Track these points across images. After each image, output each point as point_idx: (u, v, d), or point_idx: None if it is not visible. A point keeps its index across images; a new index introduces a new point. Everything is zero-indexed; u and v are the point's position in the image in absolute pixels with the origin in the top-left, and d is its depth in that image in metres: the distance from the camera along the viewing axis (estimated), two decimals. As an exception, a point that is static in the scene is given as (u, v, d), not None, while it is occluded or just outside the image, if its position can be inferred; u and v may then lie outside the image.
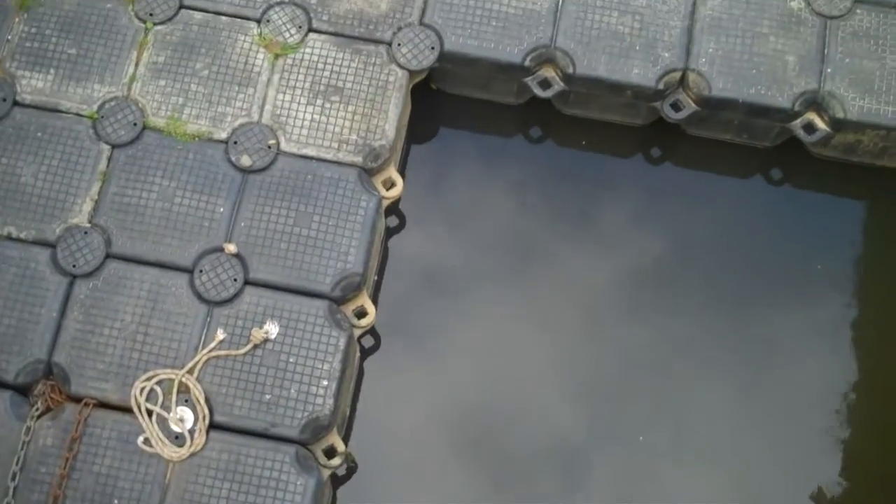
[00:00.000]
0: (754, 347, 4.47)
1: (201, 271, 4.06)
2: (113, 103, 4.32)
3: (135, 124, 4.28)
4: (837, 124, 4.39)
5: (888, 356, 4.49)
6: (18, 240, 4.12)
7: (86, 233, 4.11)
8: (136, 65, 4.39)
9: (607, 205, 4.70)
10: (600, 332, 4.52)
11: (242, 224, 4.15)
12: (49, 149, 4.24)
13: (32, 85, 4.34)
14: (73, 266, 4.06)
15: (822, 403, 4.39)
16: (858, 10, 4.49)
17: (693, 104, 4.47)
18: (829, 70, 4.40)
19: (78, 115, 4.31)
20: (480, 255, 4.61)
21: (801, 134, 4.45)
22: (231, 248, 4.09)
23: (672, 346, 4.48)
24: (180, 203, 4.17)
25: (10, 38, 4.43)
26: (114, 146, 4.26)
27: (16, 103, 4.31)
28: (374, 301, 4.38)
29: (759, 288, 4.56)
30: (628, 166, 4.78)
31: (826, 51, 4.44)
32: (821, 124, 4.43)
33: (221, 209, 4.17)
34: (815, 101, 4.40)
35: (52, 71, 4.37)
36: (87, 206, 4.17)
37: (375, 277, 4.45)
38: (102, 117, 4.29)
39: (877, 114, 4.36)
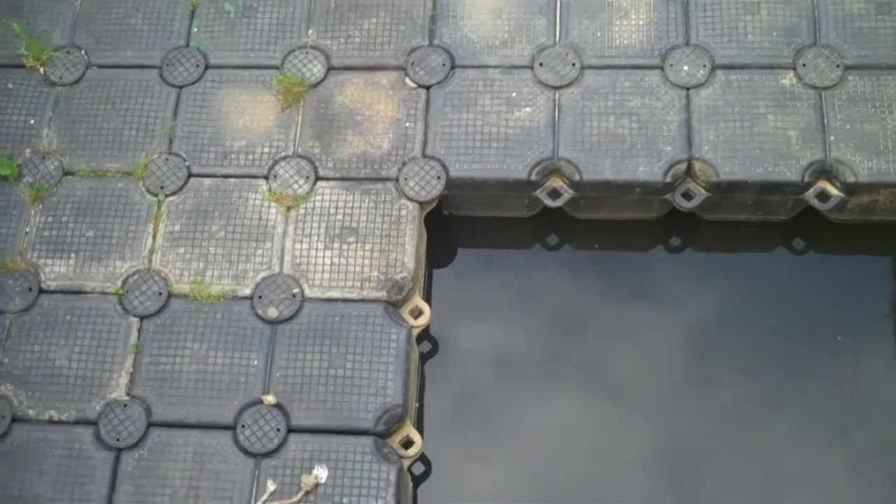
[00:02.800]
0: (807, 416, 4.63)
1: (243, 426, 4.27)
2: (136, 277, 4.61)
3: (160, 294, 4.56)
4: (850, 189, 4.63)
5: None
6: (60, 422, 4.34)
7: (125, 405, 4.33)
8: (154, 237, 4.71)
9: (636, 297, 4.91)
10: (650, 416, 4.68)
11: (278, 374, 4.37)
12: (79, 330, 4.51)
13: (56, 271, 4.65)
14: (117, 440, 4.27)
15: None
16: (850, 77, 4.77)
17: (703, 191, 4.72)
18: (832, 138, 4.67)
19: (103, 293, 4.60)
20: (516, 364, 4.80)
21: (815, 203, 4.68)
22: (270, 399, 4.31)
23: (716, 423, 4.65)
24: (214, 363, 4.40)
25: (28, 230, 4.76)
26: (142, 318, 4.53)
27: (42, 291, 4.61)
28: (419, 429, 4.55)
29: (802, 355, 4.75)
30: (651, 258, 5.01)
31: (826, 120, 4.71)
32: (834, 191, 4.67)
33: (255, 362, 4.40)
34: (823, 170, 4.64)
35: (72, 255, 4.68)
36: (124, 380, 4.41)
37: (417, 405, 4.63)
38: (127, 292, 4.58)
39: (887, 172, 4.59)
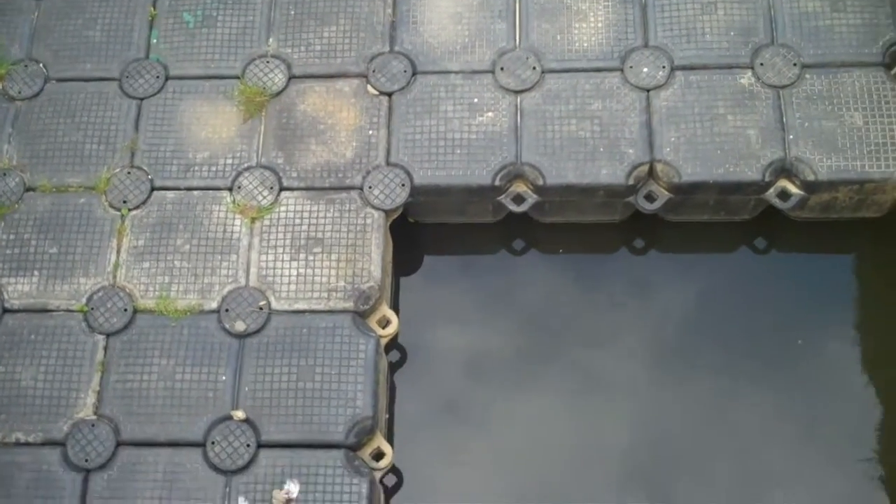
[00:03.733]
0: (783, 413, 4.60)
1: (213, 443, 4.18)
2: (101, 293, 4.50)
3: (125, 310, 4.45)
4: (810, 187, 4.60)
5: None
6: (27, 444, 4.23)
7: (93, 425, 4.23)
8: (118, 252, 4.59)
9: (602, 299, 4.87)
10: (622, 417, 4.65)
11: (246, 389, 4.28)
12: (44, 349, 4.40)
13: (19, 290, 4.53)
14: (86, 461, 4.17)
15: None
16: (807, 75, 4.74)
17: (666, 192, 4.68)
18: (791, 137, 4.63)
19: (68, 310, 4.48)
20: (486, 372, 4.74)
21: (776, 202, 4.65)
22: (239, 414, 4.22)
23: (687, 420, 4.63)
24: (182, 379, 4.31)
25: (-10, 248, 4.64)
26: (108, 335, 4.42)
27: (5, 311, 4.49)
28: (390, 440, 4.48)
29: (767, 352, 4.72)
30: (615, 261, 4.97)
31: (784, 119, 4.68)
32: (794, 189, 4.64)
33: (223, 377, 4.31)
34: (783, 169, 4.61)
35: (36, 273, 4.56)
36: (91, 399, 4.31)
37: (387, 416, 4.55)
38: (92, 309, 4.46)
39: (846, 170, 4.57)
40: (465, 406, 4.68)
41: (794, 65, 4.76)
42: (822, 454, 4.52)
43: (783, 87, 4.74)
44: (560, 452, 4.58)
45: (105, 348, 4.40)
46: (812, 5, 4.89)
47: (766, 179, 4.60)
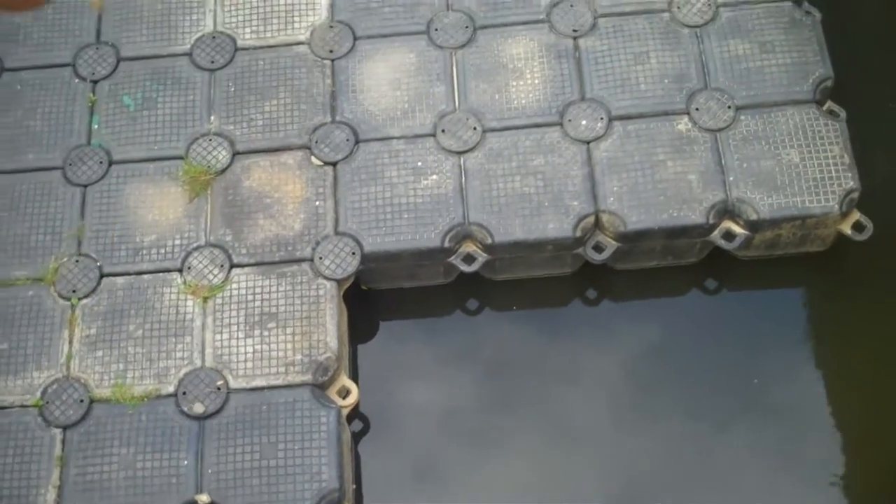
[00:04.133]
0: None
1: (179, 530, 4.11)
2: (55, 386, 4.42)
3: (81, 401, 4.37)
4: (753, 226, 4.65)
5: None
6: (-12, 548, 4.15)
7: (55, 522, 4.15)
8: (70, 342, 4.53)
9: (559, 353, 4.85)
10: (598, 465, 4.65)
11: (210, 471, 4.21)
12: (1, 448, 4.30)
13: (-28, 389, 4.45)
14: (49, 559, 4.08)
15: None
16: (742, 117, 4.81)
17: (613, 242, 4.70)
18: (731, 178, 4.69)
19: (23, 406, 4.39)
20: (451, 434, 4.70)
21: (722, 243, 4.69)
22: (204, 498, 4.15)
23: (652, 469, 4.61)
24: (143, 467, 4.23)
25: (-62, 348, 4.55)
26: (65, 428, 4.34)
27: (-41, 411, 4.41)
28: (358, 512, 4.44)
29: (726, 391, 4.74)
30: (570, 313, 4.96)
31: (723, 161, 4.74)
32: (738, 230, 4.69)
33: (185, 462, 4.24)
34: (726, 210, 4.66)
35: (-12, 370, 4.49)
36: (52, 496, 4.21)
37: (354, 486, 4.50)
38: (47, 402, 4.38)
39: (787, 207, 4.62)
40: (433, 470, 4.64)
41: (729, 107, 4.83)
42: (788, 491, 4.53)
43: (719, 129, 4.81)
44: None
45: (63, 442, 4.32)
46: (742, 48, 4.98)
47: (710, 222, 4.64)
